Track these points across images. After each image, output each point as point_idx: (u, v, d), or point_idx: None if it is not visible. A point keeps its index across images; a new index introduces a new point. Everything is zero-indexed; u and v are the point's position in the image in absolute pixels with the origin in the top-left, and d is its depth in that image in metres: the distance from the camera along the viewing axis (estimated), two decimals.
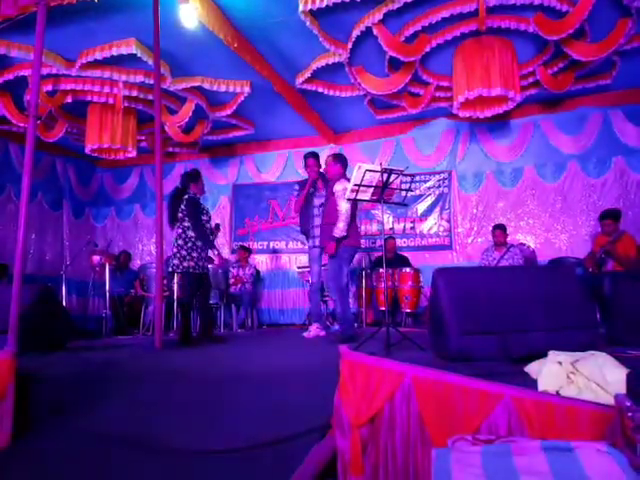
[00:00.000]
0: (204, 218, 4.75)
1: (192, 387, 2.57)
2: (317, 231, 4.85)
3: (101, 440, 1.76)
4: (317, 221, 4.89)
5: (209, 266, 7.16)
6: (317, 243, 4.86)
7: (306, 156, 5.24)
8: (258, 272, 7.95)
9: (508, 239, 6.45)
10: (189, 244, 4.69)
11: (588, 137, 6.90)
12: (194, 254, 4.65)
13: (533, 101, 6.89)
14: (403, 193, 4.00)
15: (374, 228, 7.93)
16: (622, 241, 5.27)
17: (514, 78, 5.11)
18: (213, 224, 5.08)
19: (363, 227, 7.82)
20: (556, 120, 7.07)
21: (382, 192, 3.79)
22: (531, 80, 6.00)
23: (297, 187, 5.31)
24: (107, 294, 6.39)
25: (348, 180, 4.25)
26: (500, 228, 6.35)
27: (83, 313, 7.25)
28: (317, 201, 4.99)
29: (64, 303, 6.61)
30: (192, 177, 4.84)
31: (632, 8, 4.63)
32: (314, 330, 4.83)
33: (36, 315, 3.87)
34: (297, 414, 1.96)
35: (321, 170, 5.17)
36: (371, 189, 3.80)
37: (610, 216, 5.55)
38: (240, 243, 8.41)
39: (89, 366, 3.15)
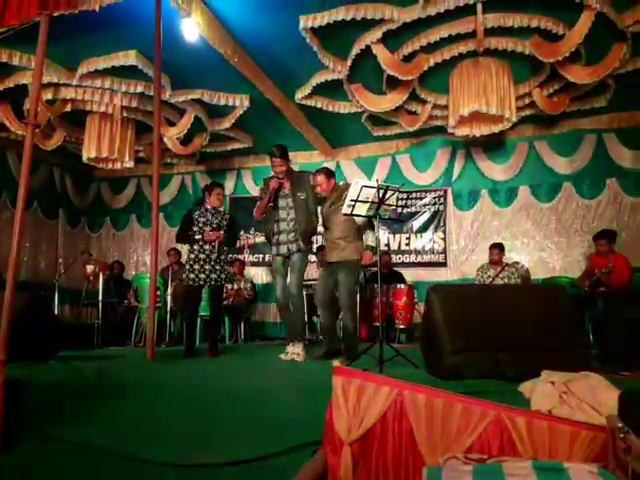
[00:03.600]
0: (195, 229, 4.70)
1: (182, 399, 2.55)
2: (284, 237, 4.29)
3: (92, 452, 1.74)
4: (283, 226, 4.31)
5: None
6: (283, 251, 4.29)
7: (270, 154, 4.43)
8: (254, 285, 7.91)
9: (503, 258, 6.47)
10: (186, 257, 4.78)
11: (582, 159, 6.97)
12: (187, 266, 4.65)
13: (528, 122, 6.97)
14: (399, 209, 4.03)
15: None
16: (617, 270, 5.25)
17: (510, 99, 5.18)
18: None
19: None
20: (551, 141, 7.15)
21: (378, 208, 3.81)
22: (527, 101, 6.08)
23: (262, 186, 4.53)
24: (100, 304, 6.35)
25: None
26: (498, 247, 6.38)
27: (75, 322, 7.19)
28: (282, 202, 4.35)
29: (56, 311, 6.57)
30: (206, 188, 4.91)
31: (627, 33, 4.72)
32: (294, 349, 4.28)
33: (27, 323, 3.83)
34: (288, 429, 1.95)
35: (291, 166, 4.50)
36: (367, 204, 3.82)
37: (605, 236, 5.58)
38: (235, 256, 8.40)
39: (79, 376, 3.12)
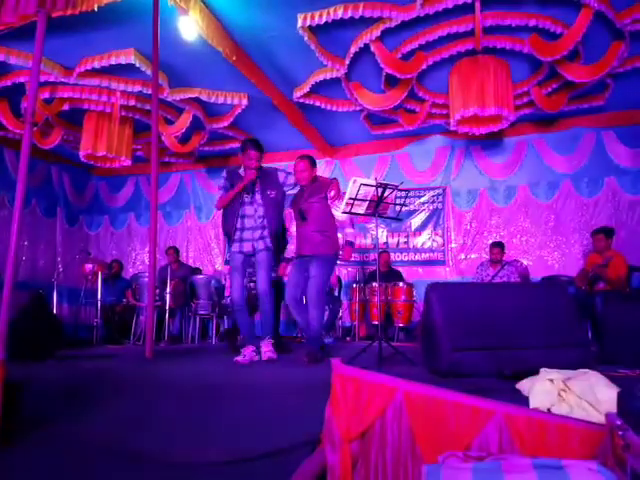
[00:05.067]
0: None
1: (182, 398, 2.55)
2: (248, 234, 4.00)
3: (91, 451, 1.74)
4: (249, 222, 4.01)
5: (200, 276, 7.19)
6: (247, 249, 4.02)
7: (246, 145, 4.05)
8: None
9: (503, 257, 6.48)
10: None
11: (581, 157, 6.98)
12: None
13: (527, 120, 6.97)
14: (397, 208, 4.02)
15: (368, 242, 7.94)
16: (613, 264, 5.30)
17: (508, 97, 5.18)
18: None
19: (357, 241, 7.82)
20: (549, 139, 7.15)
21: (377, 206, 3.81)
22: (525, 100, 6.08)
23: (225, 175, 4.16)
24: (98, 303, 6.34)
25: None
26: (499, 246, 6.38)
27: (74, 321, 7.18)
28: (249, 198, 4.02)
29: (55, 311, 6.56)
30: None
31: (625, 32, 4.72)
32: (248, 354, 3.95)
33: (26, 322, 3.83)
34: (287, 427, 1.95)
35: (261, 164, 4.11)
36: (366, 203, 3.82)
37: (602, 231, 5.61)
38: None
39: (79, 375, 3.12)
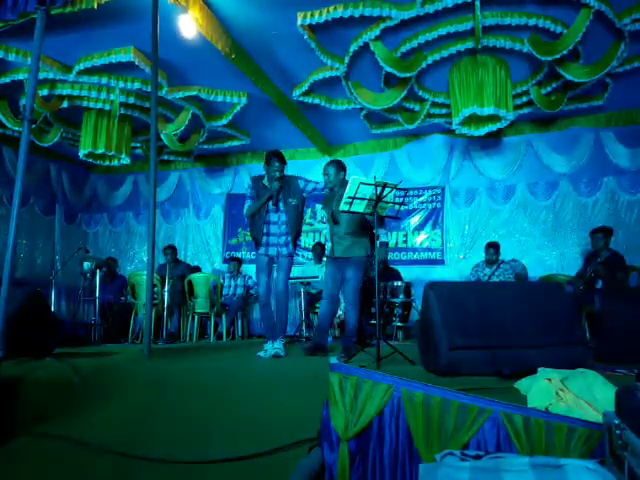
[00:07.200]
0: None
1: (179, 397, 2.55)
2: (274, 239, 4.34)
3: (87, 448, 1.74)
4: (274, 229, 4.35)
5: (198, 275, 7.19)
6: (273, 253, 4.35)
7: (271, 158, 4.31)
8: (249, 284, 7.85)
9: (499, 257, 6.48)
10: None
11: (580, 157, 6.98)
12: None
13: (526, 120, 6.98)
14: (396, 207, 4.02)
15: None
16: (611, 262, 5.32)
17: (508, 97, 5.18)
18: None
19: None
20: (548, 139, 7.15)
21: (375, 205, 3.81)
22: (525, 99, 6.08)
23: (250, 185, 4.48)
24: (97, 301, 6.33)
25: None
26: (494, 246, 6.39)
27: (72, 319, 7.17)
28: (273, 206, 4.34)
29: (53, 309, 6.55)
30: None
31: (625, 31, 4.72)
32: (270, 349, 4.24)
33: (24, 320, 3.82)
34: (285, 426, 1.95)
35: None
36: (364, 202, 3.81)
37: (601, 231, 5.64)
38: (232, 253, 8.40)
39: (77, 373, 3.12)
